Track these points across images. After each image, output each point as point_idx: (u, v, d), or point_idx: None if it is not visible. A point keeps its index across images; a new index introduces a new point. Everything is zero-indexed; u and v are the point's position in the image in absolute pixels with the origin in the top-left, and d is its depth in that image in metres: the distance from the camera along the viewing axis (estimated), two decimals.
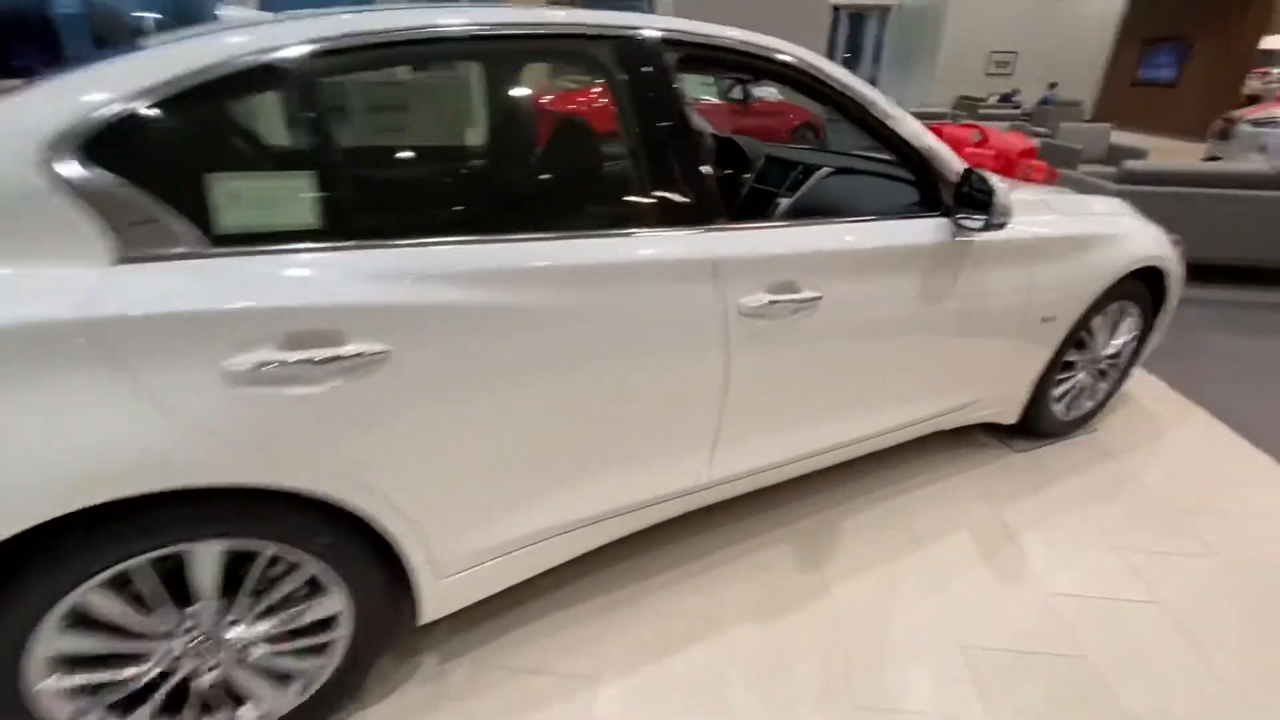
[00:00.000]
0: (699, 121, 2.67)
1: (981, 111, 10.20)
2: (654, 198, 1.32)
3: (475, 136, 1.57)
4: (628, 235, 1.28)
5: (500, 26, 1.21)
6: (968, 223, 1.59)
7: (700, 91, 7.07)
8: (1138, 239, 2.10)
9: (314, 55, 1.05)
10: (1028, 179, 2.40)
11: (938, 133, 2.52)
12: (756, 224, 1.42)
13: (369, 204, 1.11)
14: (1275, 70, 15.91)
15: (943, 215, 1.65)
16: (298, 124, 1.06)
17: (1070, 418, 2.36)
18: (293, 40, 1.04)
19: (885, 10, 16.36)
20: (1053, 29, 15.01)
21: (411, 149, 1.18)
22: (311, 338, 1.01)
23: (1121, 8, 14.87)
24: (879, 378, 1.72)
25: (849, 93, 1.54)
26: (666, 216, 1.32)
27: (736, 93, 6.87)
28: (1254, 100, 12.31)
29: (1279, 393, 2.79)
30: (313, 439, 1.04)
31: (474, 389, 1.16)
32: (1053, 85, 12.87)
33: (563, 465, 1.34)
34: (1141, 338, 2.36)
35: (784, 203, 2.24)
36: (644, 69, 1.31)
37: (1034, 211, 1.87)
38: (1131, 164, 3.86)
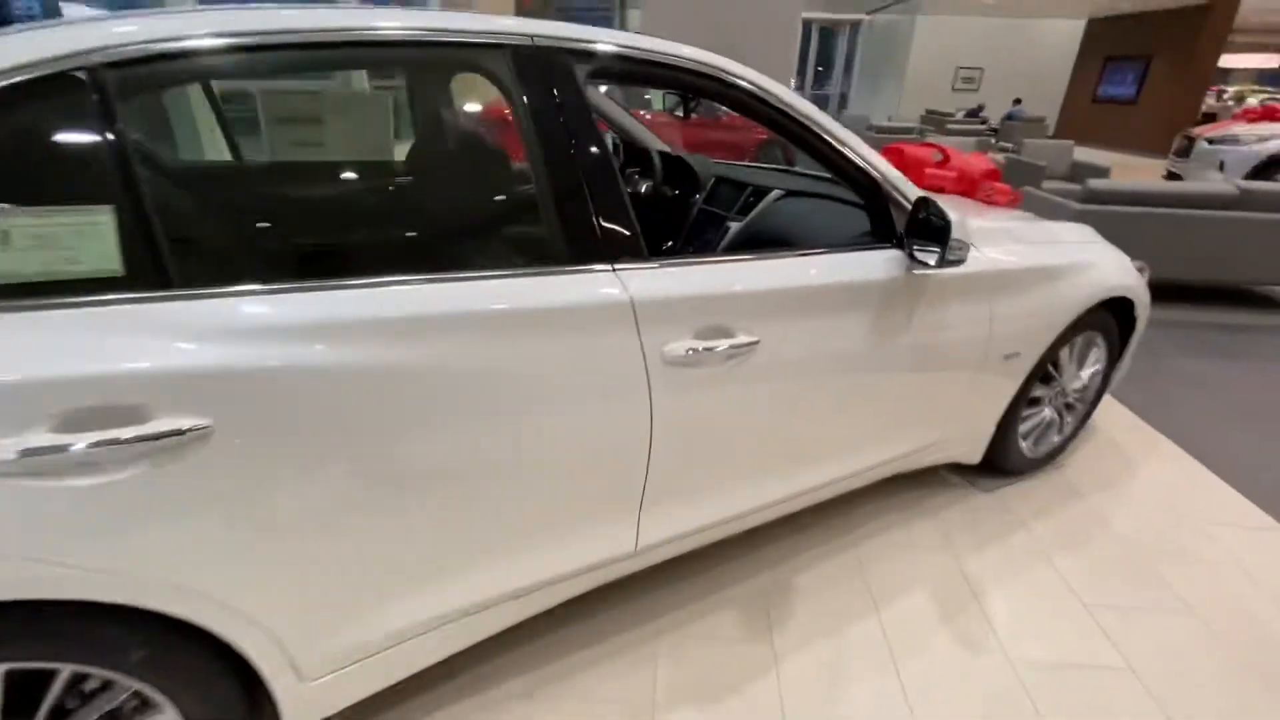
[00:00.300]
0: (648, 138, 2.51)
1: (949, 126, 10.27)
2: (559, 231, 1.14)
3: (333, 157, 1.34)
4: (526, 276, 1.10)
5: (370, 31, 1.02)
6: (922, 255, 1.43)
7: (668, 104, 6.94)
8: (1104, 268, 1.97)
9: (114, 64, 0.85)
10: (990, 202, 2.28)
11: (899, 153, 2.39)
12: (682, 260, 1.25)
13: (187, 242, 0.92)
14: (1230, 89, 16.40)
15: (895, 247, 1.50)
16: (97, 143, 0.86)
17: (1037, 454, 2.23)
18: (84, 46, 0.84)
19: (855, 25, 16.54)
20: (1017, 46, 15.32)
21: (247, 173, 0.98)
22: (101, 415, 0.80)
23: (1083, 26, 15.25)
24: (827, 426, 1.56)
25: (791, 112, 1.38)
26: (576, 253, 1.14)
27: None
28: (1211, 118, 12.65)
29: (1245, 422, 2.70)
30: (108, 539, 0.83)
31: (327, 465, 0.96)
32: (1017, 101, 13.07)
33: (452, 545, 1.14)
34: (1109, 368, 2.25)
35: (733, 227, 2.09)
36: (547, 82, 1.13)
37: (995, 241, 1.73)
38: (1095, 183, 3.79)
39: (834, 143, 1.42)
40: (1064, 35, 15.42)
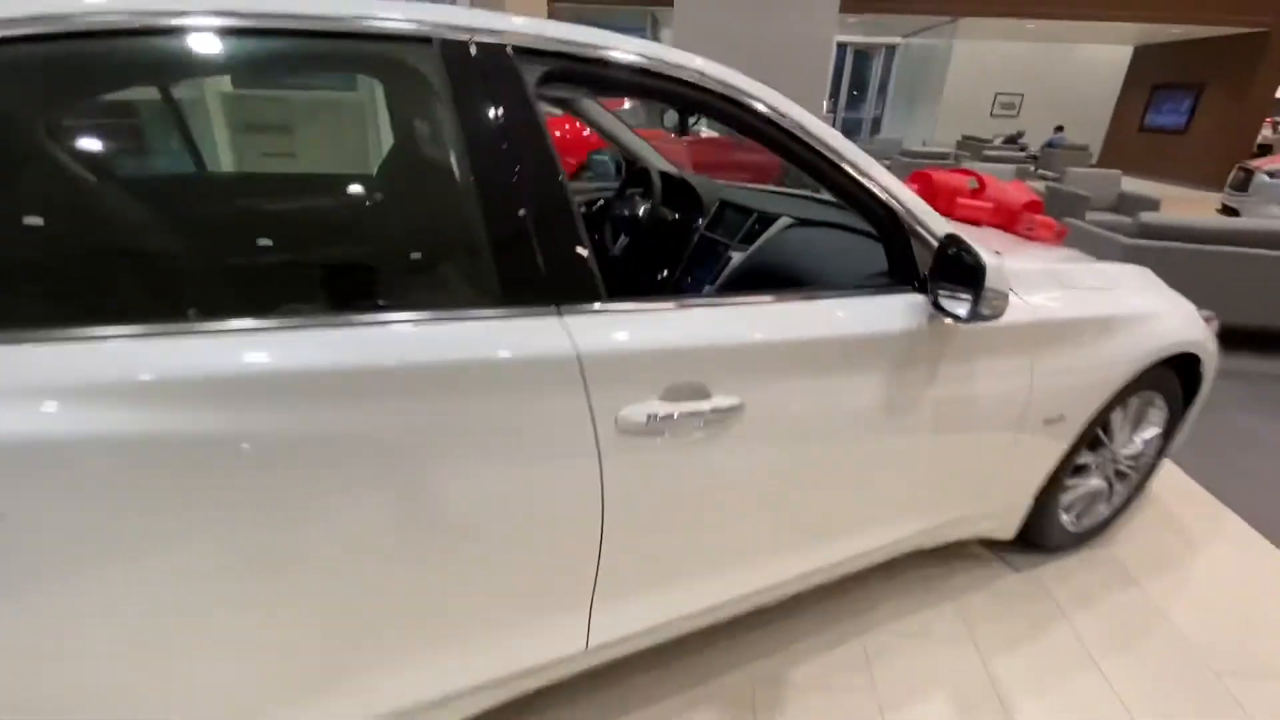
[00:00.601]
0: (651, 157, 2.30)
1: (987, 153, 9.94)
2: (490, 265, 0.92)
3: (188, 167, 1.10)
4: (442, 321, 0.88)
5: (269, 18, 0.83)
6: (949, 304, 1.19)
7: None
8: (1168, 319, 1.69)
9: None
10: (1032, 237, 2.02)
11: (927, 180, 2.14)
12: (647, 303, 1.02)
13: None
14: None
15: (917, 291, 1.26)
16: None
17: (1081, 528, 1.93)
18: None
19: (891, 49, 16.30)
20: (1060, 72, 14.92)
21: (56, 184, 0.79)
22: None
23: (1130, 53, 14.78)
24: (825, 504, 1.30)
25: (792, 129, 1.14)
26: (511, 293, 0.93)
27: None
28: (1266, 150, 12.06)
29: None
30: None
31: (161, 555, 0.75)
32: (1059, 128, 12.64)
33: (338, 648, 0.92)
34: (1169, 431, 1.95)
35: (736, 257, 1.86)
36: (487, 87, 0.92)
37: (1038, 285, 1.47)
38: (1148, 217, 3.48)
39: (843, 165, 1.18)
40: (1109, 62, 14.97)
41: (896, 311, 1.22)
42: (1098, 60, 14.96)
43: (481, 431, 0.89)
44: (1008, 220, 2.04)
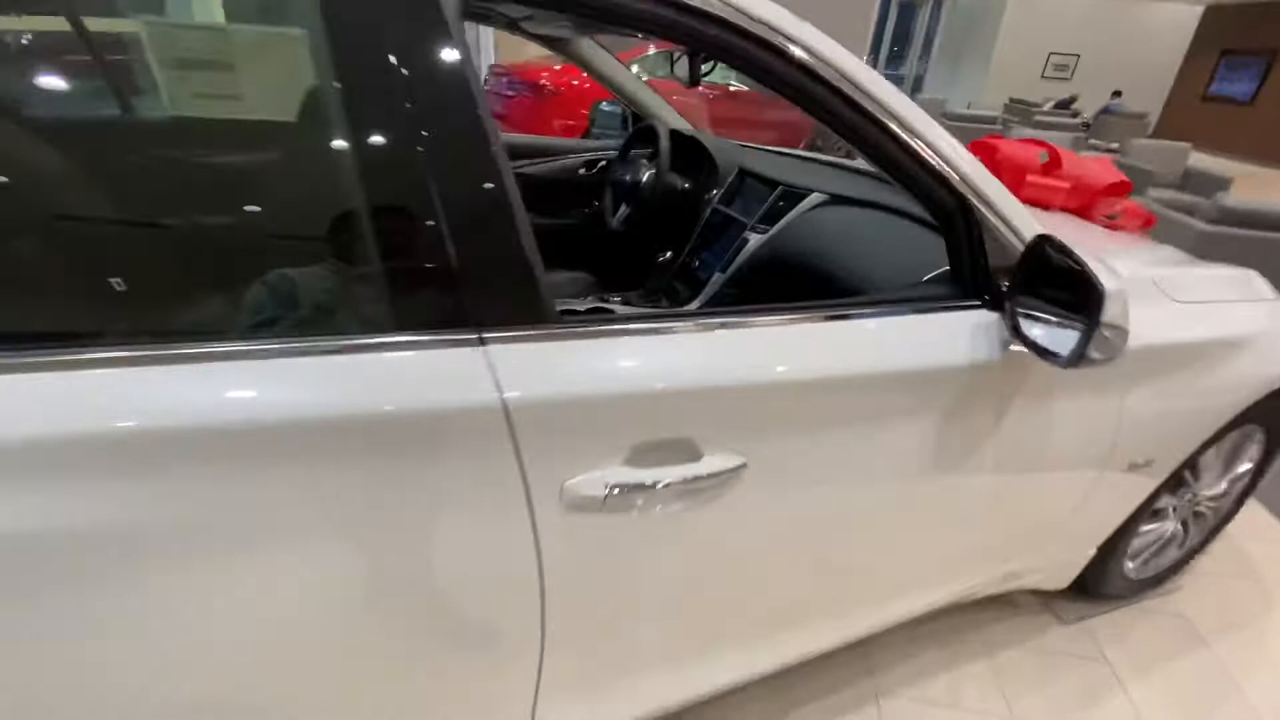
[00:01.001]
0: (664, 112, 1.95)
1: (1037, 118, 9.23)
2: (374, 272, 0.64)
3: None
4: (296, 355, 0.60)
5: None
6: (1038, 335, 0.87)
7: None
8: None
9: None
10: (1114, 226, 1.67)
11: (990, 151, 1.78)
12: (609, 325, 0.73)
13: None
14: None
15: (988, 307, 0.94)
16: None
17: (1144, 575, 1.65)
18: None
19: (939, 0, 15.23)
20: (1121, 32, 13.84)
21: None
22: None
23: (1199, 14, 13.64)
24: (847, 579, 1.03)
25: (835, 81, 0.81)
26: (407, 314, 0.64)
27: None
28: None
29: None
30: None
31: None
32: (1117, 93, 11.75)
33: None
34: (1262, 468, 1.63)
35: (752, 240, 1.54)
36: (377, 8, 0.61)
37: (1136, 298, 1.14)
38: (1230, 200, 3.06)
39: (900, 132, 0.85)
40: (1176, 23, 13.83)
41: (961, 335, 0.91)
42: (1162, 20, 13.83)
43: (350, 510, 0.62)
44: (1085, 204, 1.69)
